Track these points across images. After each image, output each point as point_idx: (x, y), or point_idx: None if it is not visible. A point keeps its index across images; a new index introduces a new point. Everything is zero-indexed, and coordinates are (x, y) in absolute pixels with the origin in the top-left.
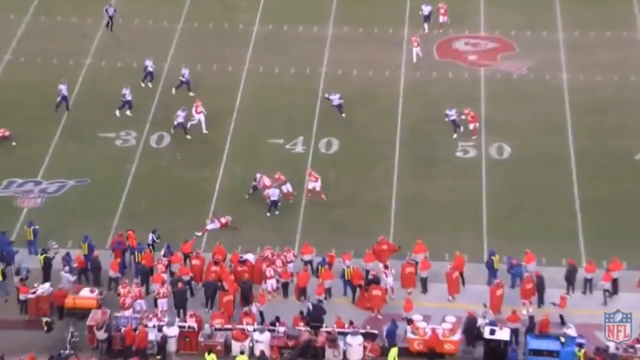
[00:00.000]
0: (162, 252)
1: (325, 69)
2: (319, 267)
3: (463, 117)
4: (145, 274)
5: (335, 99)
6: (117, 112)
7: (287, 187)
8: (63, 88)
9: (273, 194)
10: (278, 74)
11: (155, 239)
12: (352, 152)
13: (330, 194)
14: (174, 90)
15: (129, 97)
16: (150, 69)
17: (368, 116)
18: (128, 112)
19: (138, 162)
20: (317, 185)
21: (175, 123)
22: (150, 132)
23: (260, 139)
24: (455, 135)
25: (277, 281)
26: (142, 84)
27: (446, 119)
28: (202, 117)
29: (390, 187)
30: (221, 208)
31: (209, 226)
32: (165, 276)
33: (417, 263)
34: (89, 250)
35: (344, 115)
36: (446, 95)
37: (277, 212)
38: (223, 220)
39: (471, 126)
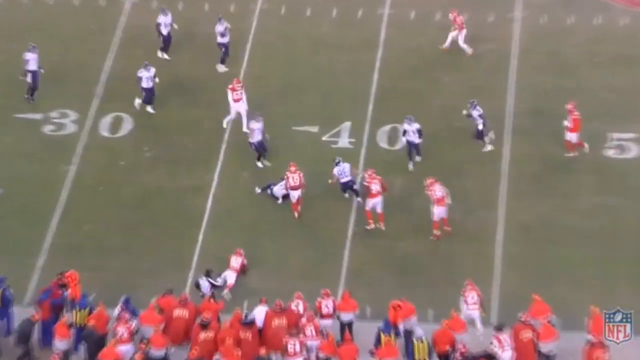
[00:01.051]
0: (118, 310)
1: (389, 10)
2: (380, 334)
3: (566, 123)
4: (95, 346)
5: (411, 130)
6: (149, 108)
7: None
8: (31, 58)
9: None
10: (311, 18)
11: (214, 283)
12: (431, 148)
13: (393, 217)
14: (219, 67)
15: (147, 84)
16: (166, 31)
17: (458, 89)
18: (149, 108)
19: (81, 162)
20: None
21: (251, 142)
22: (101, 113)
23: (281, 125)
24: (488, 146)
25: None
26: (160, 55)
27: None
28: (242, 106)
29: (494, 206)
30: (215, 236)
31: (229, 276)
32: (125, 349)
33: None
34: (4, 304)
35: (412, 165)
36: (590, 54)
37: (358, 199)
38: (236, 261)
39: (572, 137)
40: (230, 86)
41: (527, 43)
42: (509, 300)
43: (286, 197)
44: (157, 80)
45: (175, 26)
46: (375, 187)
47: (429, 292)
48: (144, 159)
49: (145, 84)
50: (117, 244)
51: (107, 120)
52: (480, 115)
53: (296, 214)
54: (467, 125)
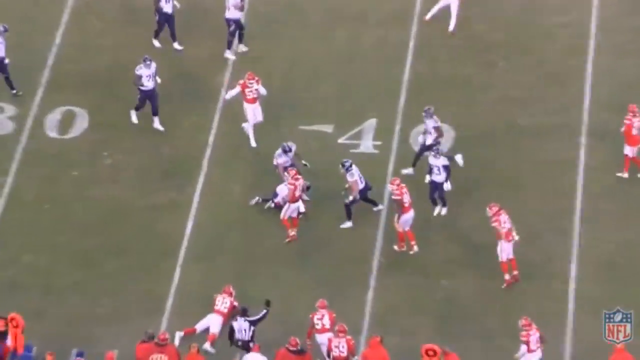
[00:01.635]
0: None
1: None
2: None
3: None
4: None
5: (437, 167)
6: (133, 115)
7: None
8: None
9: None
10: None
11: (255, 319)
12: (483, 154)
13: (432, 245)
14: (240, 47)
15: (148, 85)
16: (168, 8)
17: (518, 77)
18: (156, 123)
19: (20, 171)
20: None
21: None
22: (47, 106)
23: (285, 124)
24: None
25: None
26: (155, 42)
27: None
28: (255, 112)
29: (565, 232)
30: (197, 269)
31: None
32: None
33: None
34: None
35: (438, 210)
36: None
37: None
38: (224, 303)
39: (628, 150)
40: (241, 82)
41: (610, 17)
42: (585, 351)
43: (278, 206)
44: (159, 80)
45: (177, 4)
46: (407, 197)
47: (480, 344)
48: (104, 167)
49: (146, 83)
50: (68, 281)
51: (54, 117)
52: (435, 128)
53: (294, 231)
54: (530, 126)
